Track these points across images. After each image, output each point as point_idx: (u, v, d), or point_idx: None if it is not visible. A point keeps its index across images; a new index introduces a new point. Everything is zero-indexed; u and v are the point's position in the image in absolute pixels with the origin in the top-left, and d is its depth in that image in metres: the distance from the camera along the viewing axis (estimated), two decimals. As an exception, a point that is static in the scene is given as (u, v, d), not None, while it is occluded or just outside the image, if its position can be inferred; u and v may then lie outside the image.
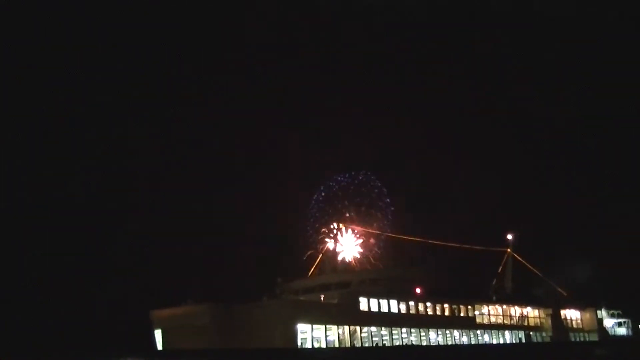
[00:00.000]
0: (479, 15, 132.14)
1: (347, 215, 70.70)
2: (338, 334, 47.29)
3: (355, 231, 70.27)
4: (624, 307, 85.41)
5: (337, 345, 46.62)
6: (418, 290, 57.90)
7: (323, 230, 70.60)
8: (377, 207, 72.16)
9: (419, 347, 53.62)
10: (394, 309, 53.20)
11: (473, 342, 61.73)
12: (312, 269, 67.91)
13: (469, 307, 62.56)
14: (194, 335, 40.58)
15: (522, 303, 71.92)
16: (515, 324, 69.58)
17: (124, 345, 32.58)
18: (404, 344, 53.08)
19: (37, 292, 32.29)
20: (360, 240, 70.35)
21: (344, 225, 70.03)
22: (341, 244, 69.74)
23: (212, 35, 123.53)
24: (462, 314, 61.62)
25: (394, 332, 52.07)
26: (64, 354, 29.60)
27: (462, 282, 69.32)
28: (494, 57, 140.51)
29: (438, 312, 58.53)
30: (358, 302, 50.44)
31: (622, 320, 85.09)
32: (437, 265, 67.03)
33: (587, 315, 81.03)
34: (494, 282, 77.40)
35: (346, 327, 47.87)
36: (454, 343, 58.63)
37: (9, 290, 31.68)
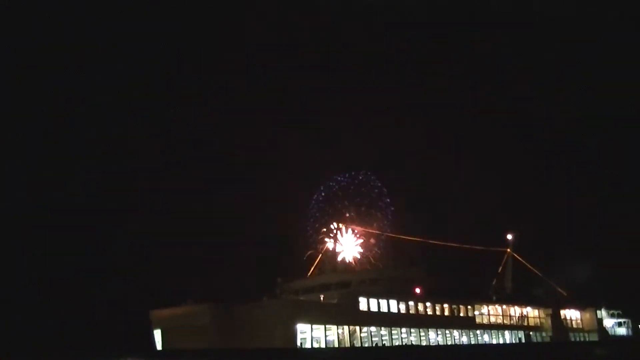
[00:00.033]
0: (479, 15, 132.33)
1: (347, 215, 70.52)
2: (338, 334, 47.32)
3: (355, 231, 70.14)
4: (624, 307, 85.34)
5: (336, 345, 46.64)
6: (418, 290, 57.93)
7: (323, 230, 70.44)
8: (377, 207, 72.07)
9: (418, 347, 53.64)
10: (394, 309, 53.22)
11: (473, 342, 61.73)
12: (312, 269, 67.83)
13: (469, 307, 62.58)
14: (193, 335, 40.61)
15: (522, 303, 71.91)
16: (515, 324, 69.56)
17: (124, 345, 32.61)
18: (404, 344, 53.06)
19: (37, 292, 32.32)
20: (360, 240, 70.26)
21: (344, 225, 69.89)
22: (341, 244, 69.60)
23: (212, 35, 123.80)
24: (461, 314, 61.65)
25: (393, 332, 52.06)
26: (64, 354, 29.64)
27: (462, 282, 69.35)
28: (494, 57, 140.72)
29: (438, 312, 58.56)
30: (358, 302, 50.45)
31: (622, 320, 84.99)
32: (437, 265, 67.10)
33: (587, 315, 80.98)
34: (493, 282, 77.35)
35: (346, 327, 47.89)
36: (453, 343, 58.64)
37: (9, 290, 31.72)
